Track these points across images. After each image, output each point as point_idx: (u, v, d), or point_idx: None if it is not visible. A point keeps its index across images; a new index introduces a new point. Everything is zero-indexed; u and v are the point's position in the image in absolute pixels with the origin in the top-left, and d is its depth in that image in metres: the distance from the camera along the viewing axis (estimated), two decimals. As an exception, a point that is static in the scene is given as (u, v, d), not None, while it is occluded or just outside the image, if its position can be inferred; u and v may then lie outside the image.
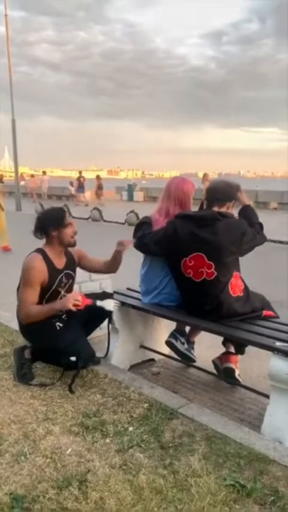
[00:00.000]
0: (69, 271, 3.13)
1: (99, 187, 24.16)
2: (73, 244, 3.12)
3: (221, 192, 2.99)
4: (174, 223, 2.96)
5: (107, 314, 3.16)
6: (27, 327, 3.07)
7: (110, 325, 3.32)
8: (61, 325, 3.05)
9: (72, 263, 3.19)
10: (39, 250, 3.05)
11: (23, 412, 2.61)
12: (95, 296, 3.08)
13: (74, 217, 12.40)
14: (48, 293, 3.00)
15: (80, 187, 24.15)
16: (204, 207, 3.05)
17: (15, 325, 4.05)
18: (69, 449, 2.26)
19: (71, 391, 2.82)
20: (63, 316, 3.07)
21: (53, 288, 3.01)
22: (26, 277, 2.97)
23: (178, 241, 2.89)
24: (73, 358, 2.85)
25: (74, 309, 2.87)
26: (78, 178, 24.72)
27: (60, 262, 3.08)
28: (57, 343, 2.91)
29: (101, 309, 3.06)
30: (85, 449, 2.26)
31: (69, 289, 3.15)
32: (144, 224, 3.21)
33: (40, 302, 2.99)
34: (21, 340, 3.67)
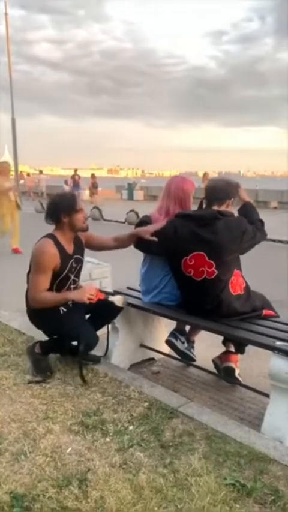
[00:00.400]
0: (79, 256, 3.11)
1: (94, 186, 23.93)
2: (85, 229, 3.09)
3: (220, 190, 2.99)
4: (174, 223, 2.95)
5: (117, 310, 3.18)
6: (34, 311, 3.06)
7: (110, 324, 3.33)
8: (65, 310, 3.04)
9: (81, 247, 3.17)
10: (50, 236, 3.02)
11: (23, 410, 2.61)
12: (107, 293, 3.11)
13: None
14: (59, 278, 2.98)
15: (75, 185, 23.41)
16: (204, 205, 3.05)
17: (15, 324, 4.07)
18: (69, 448, 2.26)
19: (84, 380, 2.87)
20: (69, 303, 3.07)
21: (64, 273, 2.99)
22: (38, 262, 2.93)
23: (178, 240, 2.89)
24: (75, 343, 2.86)
25: (87, 302, 2.90)
26: (73, 177, 24.27)
27: (70, 248, 3.06)
28: (61, 327, 2.91)
29: (111, 304, 3.09)
30: (85, 448, 2.26)
31: (78, 274, 3.15)
32: (144, 223, 3.20)
33: (50, 287, 2.97)
34: (21, 339, 3.68)
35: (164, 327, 3.61)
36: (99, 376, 3.02)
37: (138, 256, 3.29)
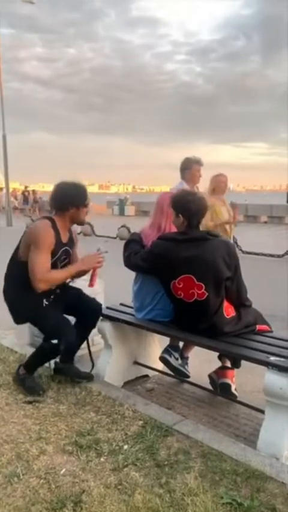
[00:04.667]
0: (68, 248, 3.06)
1: (35, 201, 26.35)
2: (84, 222, 3.10)
3: (204, 210, 2.91)
4: (159, 246, 2.91)
5: (97, 311, 3.21)
6: (14, 300, 3.02)
7: (102, 342, 3.31)
8: (47, 303, 3.01)
9: (73, 242, 3.13)
10: (49, 218, 2.99)
11: (16, 431, 2.57)
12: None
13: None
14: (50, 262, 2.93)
15: (25, 201, 27.13)
16: (185, 224, 2.87)
17: (6, 342, 4.02)
18: (63, 469, 2.22)
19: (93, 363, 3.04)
20: (51, 297, 3.04)
21: (55, 258, 2.93)
22: (39, 240, 2.86)
23: (164, 264, 2.85)
24: (55, 341, 2.87)
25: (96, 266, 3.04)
26: (23, 192, 27.70)
27: (64, 236, 3.03)
28: (45, 322, 2.94)
29: (90, 304, 3.18)
30: (79, 468, 2.22)
31: (64, 266, 3.06)
32: (132, 242, 3.20)
33: None
34: (13, 358, 3.63)
35: (158, 343, 3.60)
36: (92, 395, 2.98)
37: (131, 272, 3.29)
